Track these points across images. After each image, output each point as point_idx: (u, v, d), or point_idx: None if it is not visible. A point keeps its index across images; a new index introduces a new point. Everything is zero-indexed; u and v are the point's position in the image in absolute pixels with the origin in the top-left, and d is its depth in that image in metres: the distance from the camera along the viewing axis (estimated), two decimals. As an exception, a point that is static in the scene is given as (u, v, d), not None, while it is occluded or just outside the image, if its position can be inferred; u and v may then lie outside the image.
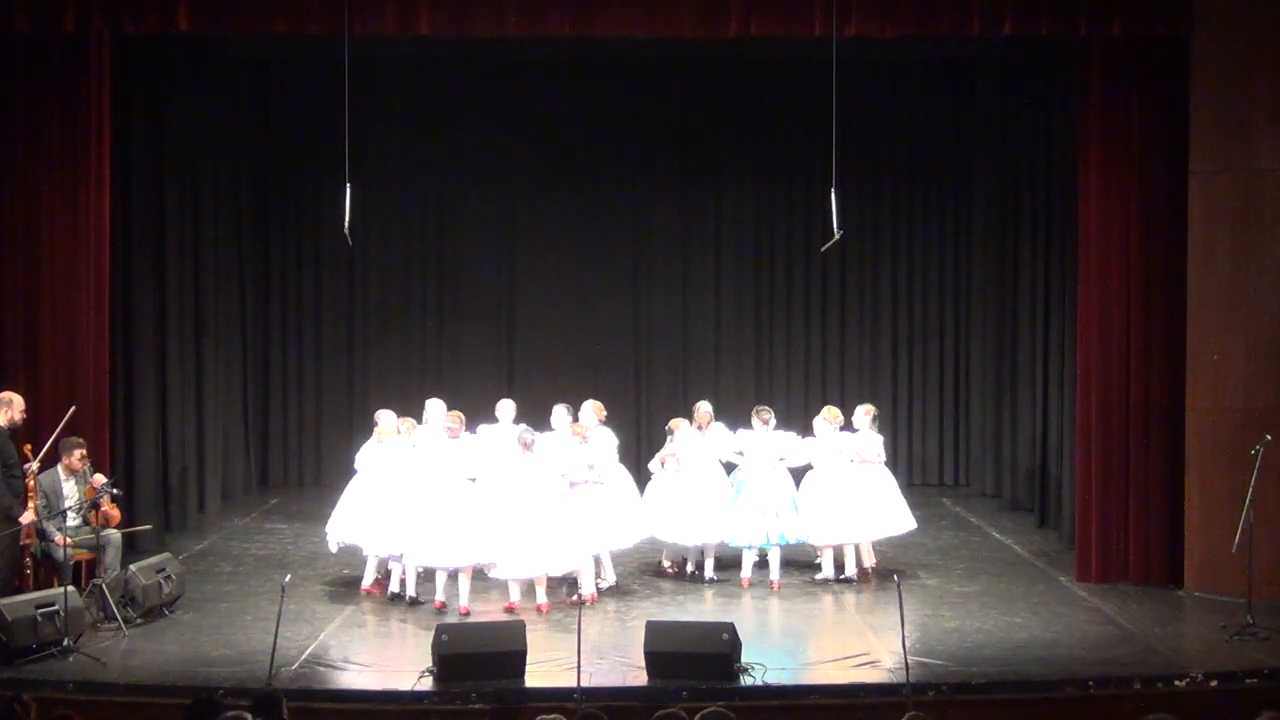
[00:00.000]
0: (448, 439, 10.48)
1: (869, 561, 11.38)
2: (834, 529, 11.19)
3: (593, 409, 11.22)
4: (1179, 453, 11.02)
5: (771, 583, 11.06)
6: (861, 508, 11.17)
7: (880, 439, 11.61)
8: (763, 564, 11.27)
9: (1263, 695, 8.28)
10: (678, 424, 11.43)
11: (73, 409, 10.34)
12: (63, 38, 10.73)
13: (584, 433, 10.91)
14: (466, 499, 10.32)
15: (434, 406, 11.20)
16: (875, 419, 11.60)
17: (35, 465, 9.93)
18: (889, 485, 11.49)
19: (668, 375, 16.10)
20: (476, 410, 11.50)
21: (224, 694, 7.73)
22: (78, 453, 10.13)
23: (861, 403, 11.96)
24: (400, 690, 8.54)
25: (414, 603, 10.44)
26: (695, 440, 11.31)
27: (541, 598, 10.23)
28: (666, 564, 11.64)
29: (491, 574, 10.35)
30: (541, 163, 15.73)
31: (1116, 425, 11.11)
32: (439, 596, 10.36)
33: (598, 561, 10.90)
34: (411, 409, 11.47)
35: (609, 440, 11.22)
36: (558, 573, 10.35)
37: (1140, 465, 11.10)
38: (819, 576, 11.26)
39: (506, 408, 11.55)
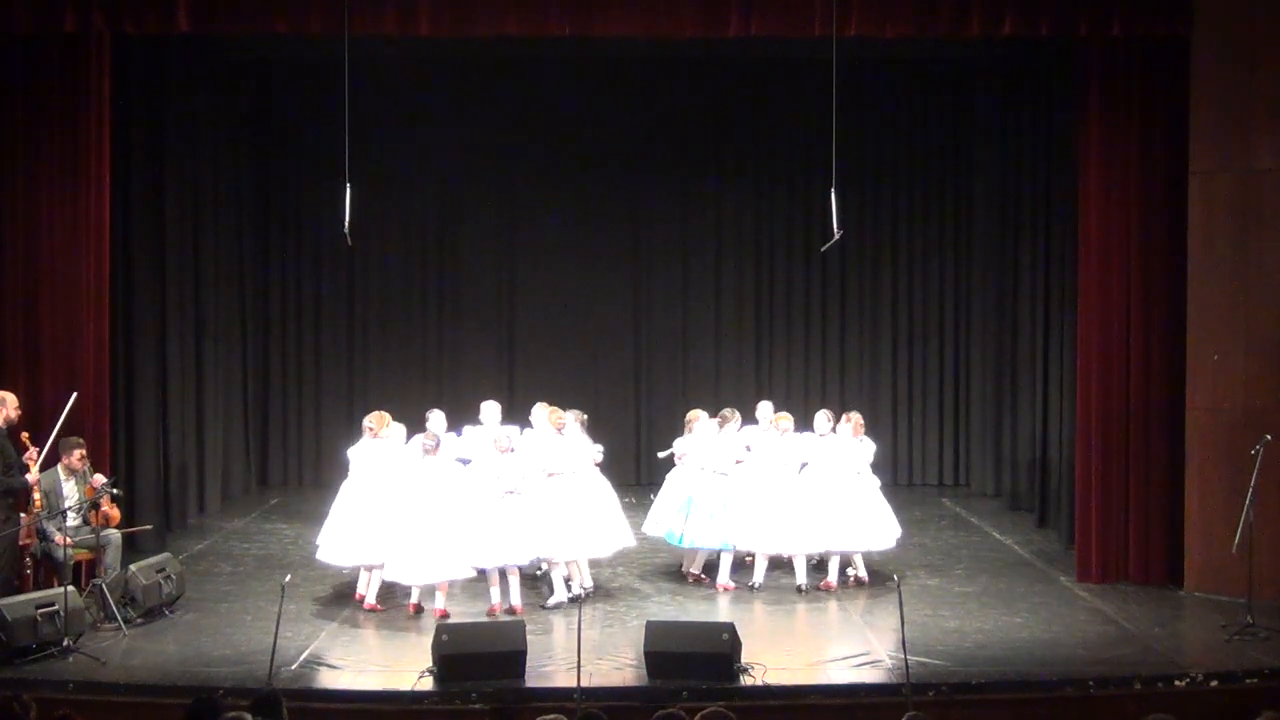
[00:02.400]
0: (368, 439, 10.54)
1: (862, 571, 11.15)
2: (777, 539, 10.90)
3: (546, 414, 10.74)
4: (1179, 453, 11.02)
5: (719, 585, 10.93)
6: (812, 519, 10.85)
7: (872, 447, 11.30)
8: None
9: (1263, 695, 8.30)
10: (695, 416, 11.36)
11: (75, 395, 10.33)
12: (63, 38, 10.73)
13: (505, 446, 10.31)
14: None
15: (489, 409, 11.16)
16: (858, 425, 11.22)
17: (35, 460, 9.91)
18: (872, 498, 11.14)
19: (667, 375, 16.11)
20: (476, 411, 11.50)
21: (224, 694, 7.73)
22: (77, 453, 10.11)
23: (861, 404, 11.89)
24: (400, 690, 8.54)
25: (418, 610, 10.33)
26: (773, 443, 11.07)
27: (440, 602, 10.06)
28: (697, 572, 11.25)
29: (384, 577, 10.22)
30: (541, 162, 15.76)
31: (1116, 425, 11.11)
32: (413, 599, 10.29)
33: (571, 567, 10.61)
34: (411, 409, 11.45)
35: (575, 446, 10.70)
36: (449, 578, 10.08)
37: (1140, 465, 11.10)
38: (753, 583, 10.94)
39: (491, 409, 11.25)
